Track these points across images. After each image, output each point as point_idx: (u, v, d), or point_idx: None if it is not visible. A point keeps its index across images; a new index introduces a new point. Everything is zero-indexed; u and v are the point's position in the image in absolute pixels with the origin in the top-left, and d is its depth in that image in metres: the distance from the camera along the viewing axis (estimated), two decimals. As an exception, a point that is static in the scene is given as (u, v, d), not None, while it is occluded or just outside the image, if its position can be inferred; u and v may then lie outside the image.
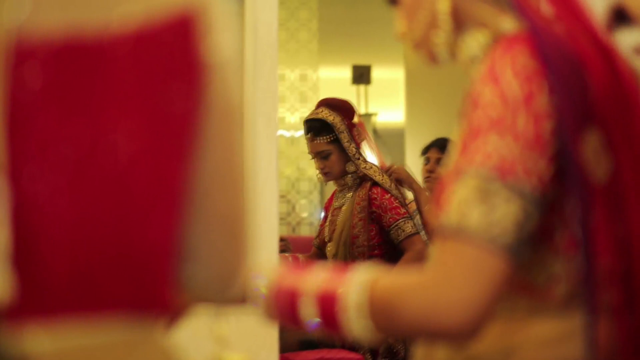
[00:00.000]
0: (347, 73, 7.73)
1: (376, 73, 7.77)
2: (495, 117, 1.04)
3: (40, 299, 0.64)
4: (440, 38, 1.22)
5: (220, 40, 0.70)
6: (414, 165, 4.71)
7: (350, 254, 3.10)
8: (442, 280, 0.99)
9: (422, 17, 1.23)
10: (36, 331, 0.64)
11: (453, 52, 1.24)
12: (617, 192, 1.06)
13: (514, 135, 1.02)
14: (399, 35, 1.30)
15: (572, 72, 1.06)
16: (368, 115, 7.93)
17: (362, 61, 7.64)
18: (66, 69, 0.62)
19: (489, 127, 1.04)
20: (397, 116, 8.27)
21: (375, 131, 7.94)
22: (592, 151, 1.05)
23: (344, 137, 3.18)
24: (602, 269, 1.05)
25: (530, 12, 1.12)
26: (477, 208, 1.00)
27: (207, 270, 0.76)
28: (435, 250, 1.02)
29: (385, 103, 8.36)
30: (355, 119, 3.29)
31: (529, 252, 1.04)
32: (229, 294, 0.82)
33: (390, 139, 7.85)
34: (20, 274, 0.62)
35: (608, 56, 1.11)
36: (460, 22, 1.22)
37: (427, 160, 4.20)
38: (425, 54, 1.27)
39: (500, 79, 1.05)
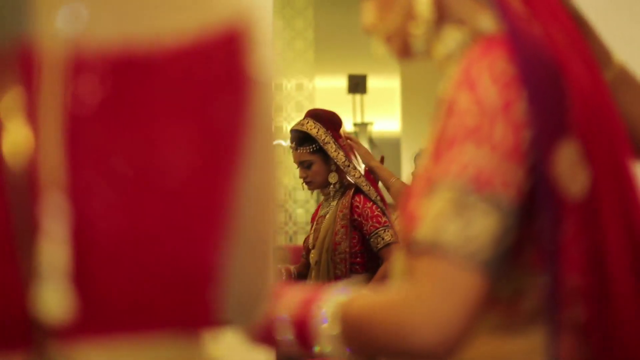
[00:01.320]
0: (343, 82, 7.75)
1: (372, 82, 7.79)
2: (471, 125, 0.98)
3: (94, 316, 0.63)
4: (420, 30, 1.14)
5: (264, 56, 0.69)
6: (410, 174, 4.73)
7: (332, 261, 3.13)
8: (417, 299, 0.95)
9: (399, 8, 1.16)
10: (89, 349, 0.64)
11: (428, 48, 1.16)
12: (593, 207, 1.00)
13: (491, 145, 0.97)
14: (369, 26, 1.22)
15: (550, 80, 1.01)
16: (364, 125, 7.96)
17: (358, 71, 7.67)
18: (120, 82, 0.61)
19: (465, 136, 0.98)
20: (393, 125, 8.29)
21: (371, 140, 7.97)
22: (568, 164, 0.99)
23: (330, 148, 3.20)
24: (570, 286, 1.00)
25: (509, 13, 1.05)
26: (453, 222, 0.95)
27: (237, 291, 0.75)
28: (411, 267, 0.98)
29: (381, 112, 8.39)
30: (343, 130, 3.32)
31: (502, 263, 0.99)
32: (253, 317, 0.80)
33: (387, 148, 7.87)
34: (76, 292, 0.61)
35: (586, 62, 1.07)
36: (438, 16, 1.14)
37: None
38: (397, 48, 1.19)
39: (477, 85, 0.99)
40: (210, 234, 0.67)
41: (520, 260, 1.01)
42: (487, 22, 1.10)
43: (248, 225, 0.72)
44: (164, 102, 0.63)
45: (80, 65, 0.60)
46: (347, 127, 8.34)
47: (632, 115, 1.18)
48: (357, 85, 7.70)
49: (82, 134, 0.60)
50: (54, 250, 0.59)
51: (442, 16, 1.14)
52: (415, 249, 0.97)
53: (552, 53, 1.03)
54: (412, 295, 0.95)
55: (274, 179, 0.75)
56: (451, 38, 1.13)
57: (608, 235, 1.00)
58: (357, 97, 7.92)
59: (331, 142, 3.21)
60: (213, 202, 0.67)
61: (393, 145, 7.68)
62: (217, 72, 0.66)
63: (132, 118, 0.62)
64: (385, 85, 7.96)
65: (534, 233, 1.00)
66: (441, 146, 1.00)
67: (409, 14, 1.14)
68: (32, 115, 0.59)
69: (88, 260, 0.61)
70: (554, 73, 1.01)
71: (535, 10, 1.09)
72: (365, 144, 7.85)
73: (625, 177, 1.05)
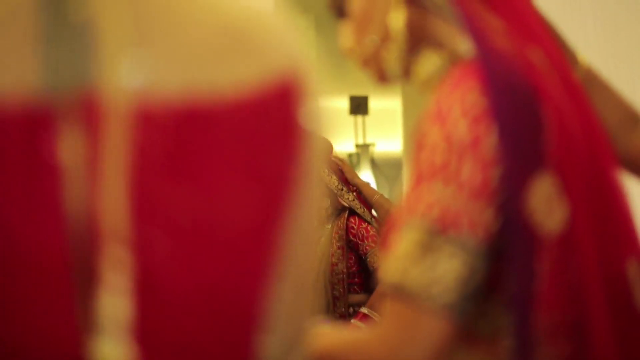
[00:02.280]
0: (344, 104, 7.78)
1: (374, 103, 7.81)
2: (439, 163, 0.96)
3: None
4: (393, 54, 1.13)
5: (314, 107, 0.69)
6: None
7: (329, 283, 3.15)
8: (380, 341, 0.95)
9: (374, 32, 1.14)
10: None
11: (407, 72, 1.15)
12: (570, 243, 0.97)
13: (458, 184, 0.95)
14: (346, 50, 1.22)
15: (525, 110, 0.97)
16: (366, 146, 7.97)
17: (359, 92, 7.69)
18: (182, 135, 0.61)
19: (432, 173, 0.96)
20: (395, 146, 8.31)
21: (373, 161, 7.98)
22: (543, 199, 0.96)
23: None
24: (549, 322, 0.97)
25: (482, 39, 1.02)
26: (418, 265, 0.94)
27: (281, 333, 0.74)
28: (383, 307, 0.98)
29: (383, 133, 8.40)
30: (334, 155, 3.34)
31: (477, 304, 0.98)
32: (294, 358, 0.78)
33: (389, 169, 7.89)
34: (135, 344, 0.61)
35: (566, 84, 1.04)
36: (415, 39, 1.13)
37: None
38: (374, 72, 1.18)
39: (447, 119, 0.97)
40: (263, 280, 0.67)
41: (500, 297, 1.00)
42: (465, 46, 1.08)
43: (295, 267, 0.72)
44: (223, 154, 0.63)
45: (144, 117, 0.60)
46: (349, 148, 8.36)
47: (601, 115, 1.15)
48: (358, 106, 7.72)
49: (144, 186, 0.60)
50: (115, 303, 0.59)
51: (419, 39, 1.12)
52: (386, 290, 0.97)
53: (528, 79, 0.99)
54: (377, 337, 0.96)
55: (315, 220, 0.74)
56: (430, 62, 1.11)
57: (585, 272, 0.98)
58: (359, 118, 7.94)
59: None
60: (266, 248, 0.67)
61: (395, 166, 7.69)
62: (273, 123, 0.66)
63: (193, 170, 0.62)
64: (387, 106, 7.98)
65: (511, 269, 0.97)
66: (412, 182, 0.99)
67: (384, 38, 1.13)
68: (95, 166, 0.59)
69: (148, 313, 0.61)
70: (530, 102, 0.98)
71: (513, 27, 1.07)
72: (367, 166, 7.88)
73: (607, 207, 1.02)
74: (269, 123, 0.66)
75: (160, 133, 0.60)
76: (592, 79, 1.22)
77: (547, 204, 0.96)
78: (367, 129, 7.98)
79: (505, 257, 0.97)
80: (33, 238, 0.58)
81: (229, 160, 0.64)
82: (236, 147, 0.64)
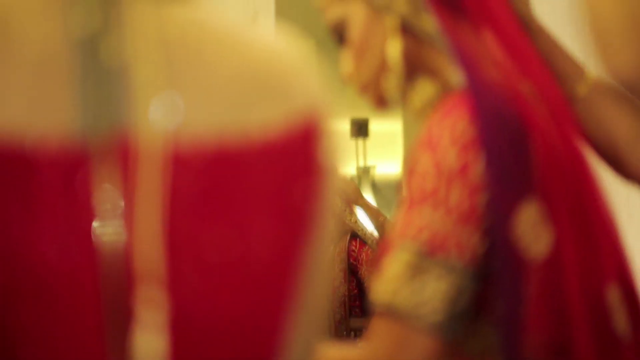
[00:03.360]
0: (345, 126, 7.79)
1: (374, 126, 7.83)
2: (429, 188, 1.00)
3: None
4: (391, 82, 1.16)
5: (332, 145, 0.70)
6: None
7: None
8: (371, 359, 0.99)
9: (372, 60, 1.18)
10: None
11: (403, 98, 1.18)
12: (556, 266, 1.02)
13: (446, 209, 0.99)
14: (346, 76, 1.25)
15: (512, 140, 1.01)
16: (367, 168, 7.98)
17: (360, 114, 7.71)
18: (213, 176, 0.63)
19: (422, 198, 1.00)
20: (395, 169, 8.30)
21: (374, 184, 7.98)
22: (530, 225, 1.00)
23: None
24: (535, 342, 1.01)
25: (471, 70, 1.06)
26: (407, 286, 0.98)
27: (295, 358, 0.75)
28: (372, 326, 1.02)
29: (384, 156, 8.41)
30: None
31: (465, 323, 1.02)
32: None
33: (390, 192, 7.88)
34: None
35: (555, 115, 1.07)
36: (411, 68, 1.16)
37: None
38: (372, 98, 1.22)
39: (437, 147, 1.01)
40: (285, 310, 0.69)
41: (489, 317, 1.03)
42: (456, 76, 1.12)
43: (312, 296, 0.73)
44: (251, 194, 0.65)
45: (176, 158, 0.61)
46: (350, 171, 8.36)
47: (608, 129, 1.17)
48: (359, 129, 7.73)
49: (177, 226, 0.61)
50: (150, 341, 0.60)
51: (415, 67, 1.16)
52: (374, 309, 1.01)
53: (516, 109, 1.03)
54: (368, 354, 1.00)
55: (329, 249, 0.77)
56: (424, 90, 1.15)
57: (569, 295, 1.01)
58: (360, 141, 7.95)
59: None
60: (288, 281, 0.68)
61: (396, 188, 7.68)
62: (297, 163, 0.67)
63: (223, 209, 0.63)
64: (388, 129, 7.99)
65: (499, 290, 1.02)
66: (404, 207, 1.03)
67: (381, 67, 1.17)
68: (129, 207, 0.60)
69: (181, 349, 0.62)
70: (518, 132, 1.02)
71: (504, 58, 1.10)
72: (368, 188, 7.87)
73: (592, 233, 1.05)
74: (293, 163, 0.67)
75: (192, 174, 0.62)
76: (602, 93, 1.22)
77: (533, 229, 1.00)
78: (368, 152, 7.99)
79: (492, 280, 1.01)
80: (68, 276, 0.59)
81: (257, 200, 0.65)
82: (263, 186, 0.66)
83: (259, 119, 0.66)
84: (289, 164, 0.67)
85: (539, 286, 1.01)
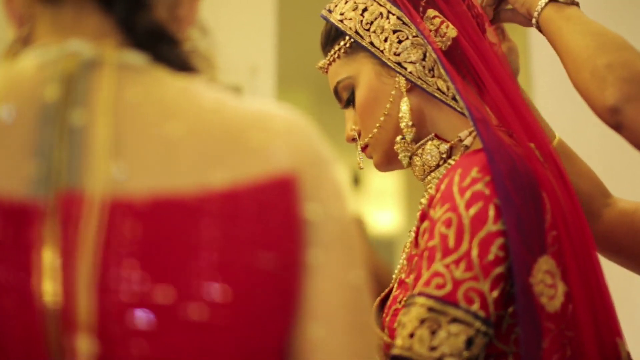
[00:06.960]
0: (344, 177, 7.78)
1: (370, 177, 7.83)
2: (449, 245, 1.02)
3: None
4: (400, 143, 1.18)
5: (326, 200, 0.71)
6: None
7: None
8: None
9: (381, 121, 1.19)
10: None
11: (411, 159, 1.20)
12: (571, 318, 1.04)
13: (466, 264, 1.01)
14: (350, 138, 1.26)
15: (529, 196, 1.04)
16: (362, 220, 7.95)
17: (354, 166, 7.70)
18: (160, 226, 0.65)
19: (442, 254, 1.02)
20: (390, 220, 8.31)
21: (368, 235, 7.95)
22: (545, 280, 1.03)
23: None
24: None
25: (486, 127, 1.09)
26: (424, 338, 0.99)
27: None
28: None
29: (379, 207, 8.41)
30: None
31: None
32: None
33: (385, 244, 7.87)
34: None
35: (557, 174, 1.10)
36: (420, 127, 1.18)
37: None
38: (378, 158, 1.23)
39: (457, 204, 1.03)
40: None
41: None
42: (469, 137, 1.14)
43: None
44: (202, 246, 0.66)
45: (116, 210, 0.65)
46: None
47: (575, 186, 1.20)
48: (357, 179, 7.74)
49: (113, 277, 0.64)
50: None
51: (425, 127, 1.18)
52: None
53: (529, 166, 1.06)
54: None
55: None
56: (434, 152, 1.16)
57: (585, 346, 1.04)
58: (356, 191, 7.95)
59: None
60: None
61: (390, 240, 7.67)
62: (268, 217, 0.68)
63: (170, 262, 0.65)
64: (383, 181, 8.00)
65: (515, 343, 1.05)
66: (422, 260, 1.05)
67: (391, 128, 1.19)
68: (68, 262, 0.64)
69: None
70: (532, 188, 1.05)
71: (510, 120, 1.13)
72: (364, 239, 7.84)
73: (596, 285, 1.08)
74: (262, 216, 0.68)
75: (138, 225, 0.64)
76: (564, 150, 1.27)
77: (548, 284, 1.03)
78: (363, 203, 7.98)
79: (509, 330, 1.05)
80: (15, 320, 0.63)
81: (208, 252, 0.66)
82: (216, 231, 0.66)
83: (221, 175, 0.67)
84: (258, 218, 0.68)
85: (556, 337, 1.02)
